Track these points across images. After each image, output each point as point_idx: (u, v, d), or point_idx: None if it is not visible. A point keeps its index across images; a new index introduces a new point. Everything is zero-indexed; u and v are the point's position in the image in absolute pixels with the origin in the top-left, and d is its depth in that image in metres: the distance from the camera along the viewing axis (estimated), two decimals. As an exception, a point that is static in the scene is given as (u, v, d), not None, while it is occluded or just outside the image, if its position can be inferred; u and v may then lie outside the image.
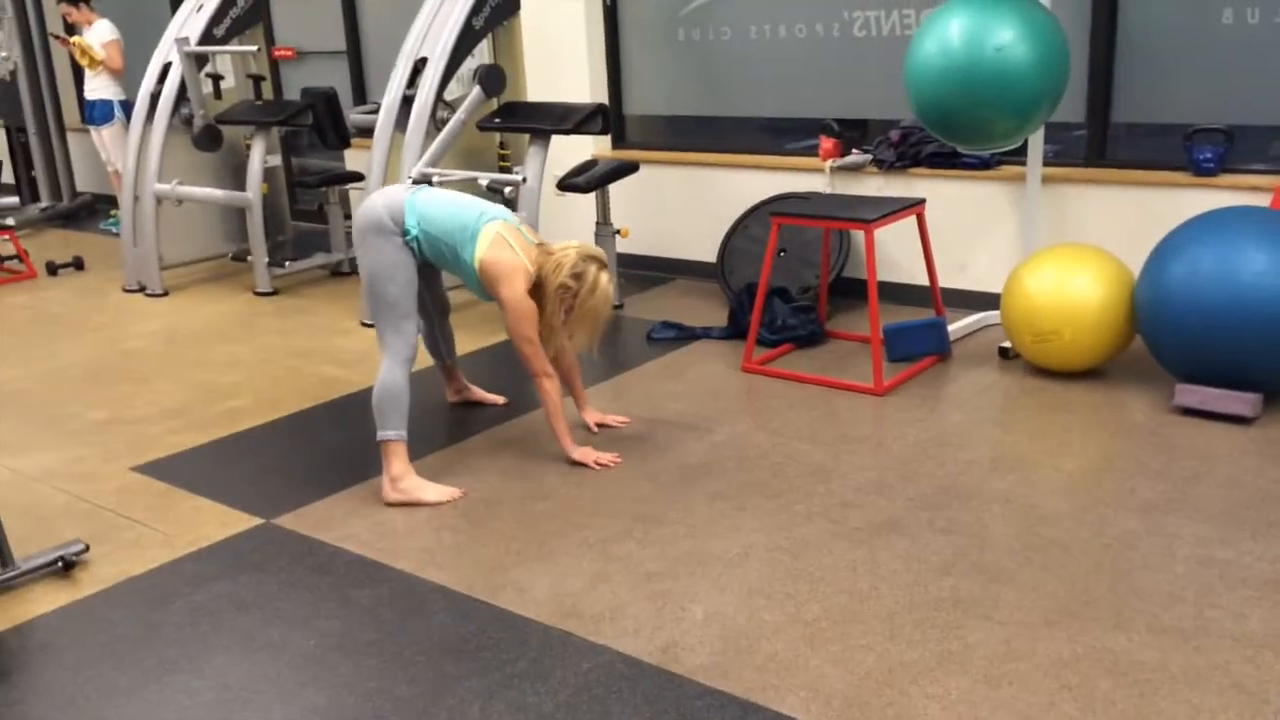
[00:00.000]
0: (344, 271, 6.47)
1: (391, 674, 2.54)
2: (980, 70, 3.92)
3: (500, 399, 4.25)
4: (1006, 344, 4.37)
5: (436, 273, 3.90)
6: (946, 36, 3.99)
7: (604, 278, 3.47)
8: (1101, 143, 4.73)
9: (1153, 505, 3.15)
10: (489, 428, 4.00)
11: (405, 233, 3.46)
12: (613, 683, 2.46)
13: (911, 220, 4.51)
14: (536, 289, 3.47)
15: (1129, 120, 4.73)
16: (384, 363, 3.45)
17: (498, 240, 3.44)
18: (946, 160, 5.00)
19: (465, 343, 4.70)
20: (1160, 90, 4.58)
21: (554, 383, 3.55)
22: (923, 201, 4.47)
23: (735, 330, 4.84)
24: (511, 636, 2.67)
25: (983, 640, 2.54)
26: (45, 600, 2.96)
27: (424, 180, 5.09)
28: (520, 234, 3.53)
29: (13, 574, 3.02)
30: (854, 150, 5.32)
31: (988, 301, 4.85)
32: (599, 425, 3.88)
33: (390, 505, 3.37)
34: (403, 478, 3.39)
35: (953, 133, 4.20)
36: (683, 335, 4.93)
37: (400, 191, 3.56)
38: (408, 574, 2.99)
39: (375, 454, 3.45)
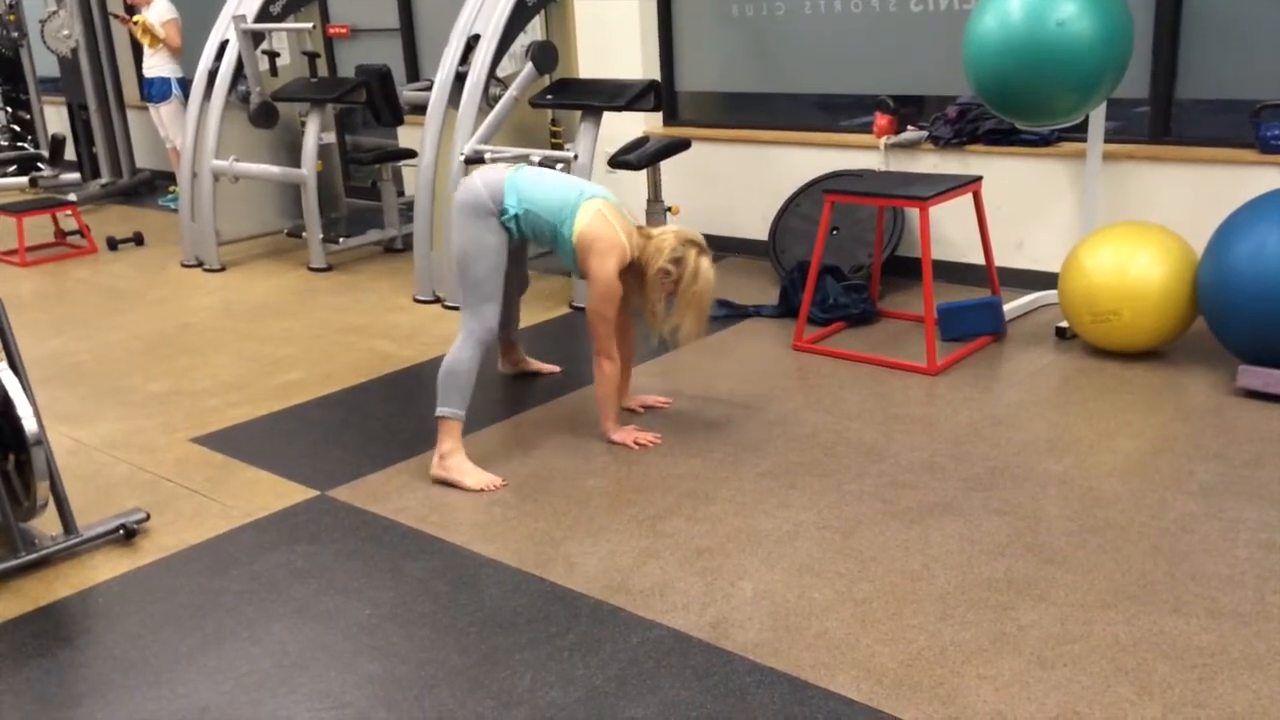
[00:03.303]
0: (397, 248, 6.53)
1: (444, 644, 2.57)
2: (1041, 45, 3.85)
3: (555, 368, 4.30)
4: (1064, 324, 4.31)
5: (524, 252, 3.92)
6: (1007, 10, 3.92)
7: (705, 263, 3.45)
8: (1165, 119, 4.63)
9: (1213, 488, 3.09)
10: (540, 404, 4.02)
11: (504, 212, 3.47)
12: (662, 658, 2.47)
13: (966, 198, 4.45)
14: (635, 273, 3.48)
15: (1194, 96, 4.62)
16: (458, 339, 3.47)
17: (598, 216, 3.44)
18: (1004, 137, 4.91)
19: (522, 317, 4.71)
20: (1227, 65, 4.46)
21: (615, 365, 3.55)
22: (979, 179, 4.41)
23: (786, 308, 4.81)
24: (562, 610, 2.69)
25: (1037, 622, 2.52)
26: (107, 567, 3.03)
27: (476, 157, 5.11)
28: (621, 214, 3.53)
29: (76, 541, 3.09)
30: (909, 127, 5.25)
31: (1045, 281, 4.78)
32: (643, 406, 3.88)
33: (435, 481, 3.40)
34: (450, 455, 3.41)
35: (1012, 109, 4.13)
36: (734, 313, 4.92)
37: (501, 171, 3.56)
38: (459, 547, 3.02)
39: (428, 429, 3.48)
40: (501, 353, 4.28)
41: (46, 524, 3.12)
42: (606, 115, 5.09)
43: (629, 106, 5.03)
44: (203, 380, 4.47)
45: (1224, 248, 3.74)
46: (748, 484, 3.29)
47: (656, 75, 6.00)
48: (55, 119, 9.14)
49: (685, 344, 3.54)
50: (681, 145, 5.32)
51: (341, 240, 6.32)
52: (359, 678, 2.47)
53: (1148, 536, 2.86)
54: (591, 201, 3.48)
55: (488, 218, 3.47)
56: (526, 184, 3.51)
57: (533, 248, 3.95)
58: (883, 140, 5.22)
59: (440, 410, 3.44)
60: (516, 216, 3.48)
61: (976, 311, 4.37)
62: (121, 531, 3.15)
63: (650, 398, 3.92)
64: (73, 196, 7.73)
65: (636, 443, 3.58)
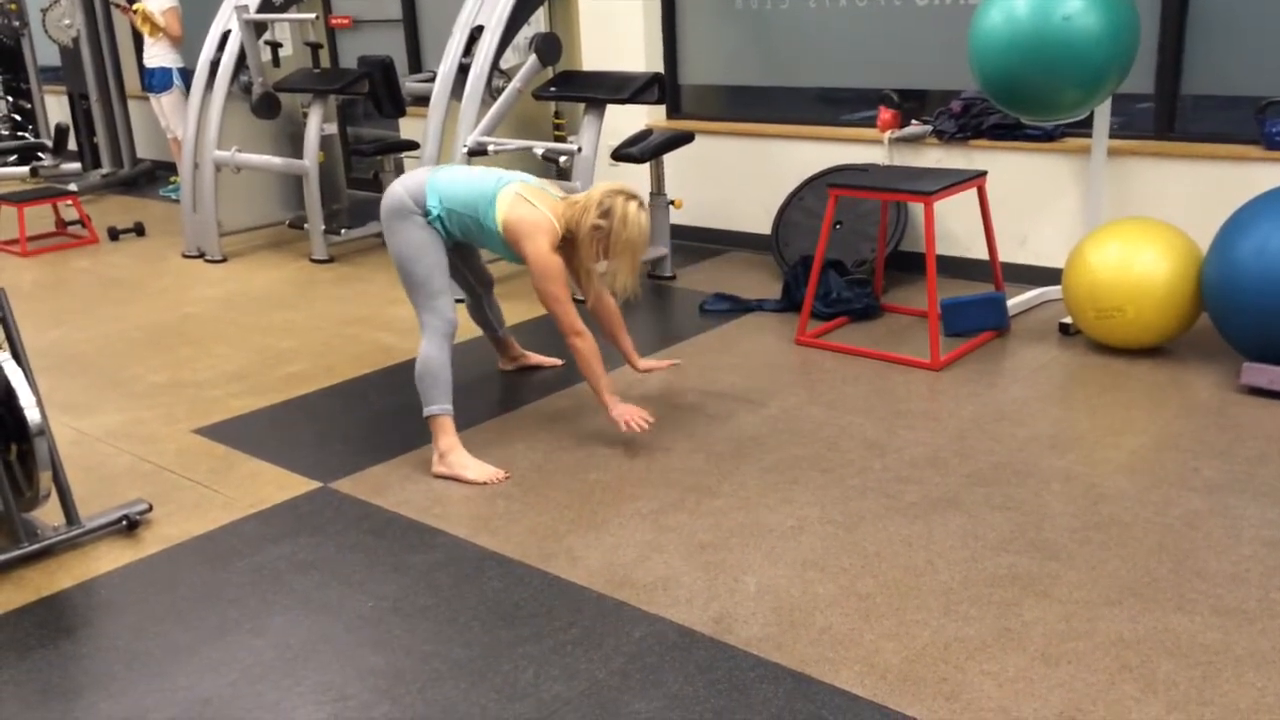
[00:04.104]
0: (398, 240, 6.50)
1: (447, 637, 2.57)
2: (1047, 40, 3.84)
3: (557, 361, 4.27)
4: (1067, 320, 4.30)
5: (474, 249, 3.91)
6: (1012, 5, 3.91)
7: (633, 207, 3.40)
8: (1170, 115, 4.62)
9: (1217, 485, 3.08)
10: (541, 397, 4.01)
11: (427, 213, 3.47)
12: (665, 652, 2.47)
13: (971, 193, 4.44)
14: (570, 242, 3.46)
15: (1199, 92, 4.61)
16: (423, 340, 3.47)
17: (517, 200, 3.42)
18: (1009, 132, 4.90)
19: (515, 313, 4.72)
20: (1232, 61, 4.45)
21: (586, 340, 3.46)
22: (984, 174, 4.39)
23: (789, 303, 4.80)
24: (564, 604, 2.68)
25: (1041, 618, 2.51)
26: (110, 558, 3.02)
27: (479, 149, 5.09)
28: (543, 192, 3.51)
29: (78, 532, 3.09)
30: (913, 121, 5.24)
31: (1048, 276, 4.77)
32: (647, 369, 3.85)
33: (437, 478, 3.40)
34: (450, 451, 3.41)
35: (1017, 104, 4.12)
36: (736, 307, 4.91)
37: (421, 174, 3.57)
38: (462, 540, 3.01)
39: (428, 424, 3.47)
40: (497, 351, 4.27)
41: (49, 514, 3.12)
42: (610, 108, 5.08)
43: (632, 99, 5.01)
44: (204, 371, 4.46)
45: (1229, 244, 3.73)
46: (751, 479, 3.28)
47: (660, 68, 5.99)
48: (56, 108, 9.12)
49: (623, 297, 3.52)
50: (685, 138, 5.30)
51: (343, 232, 6.31)
52: (361, 670, 2.46)
53: (1152, 533, 2.86)
54: (509, 188, 3.45)
55: (412, 217, 3.46)
56: (445, 183, 3.50)
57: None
58: (886, 135, 5.20)
59: (428, 410, 3.44)
60: (440, 217, 3.47)
61: (980, 307, 4.36)
62: (124, 522, 3.14)
63: (656, 362, 3.88)
64: (73, 186, 7.73)
65: (628, 424, 3.46)
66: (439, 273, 3.48)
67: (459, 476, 3.36)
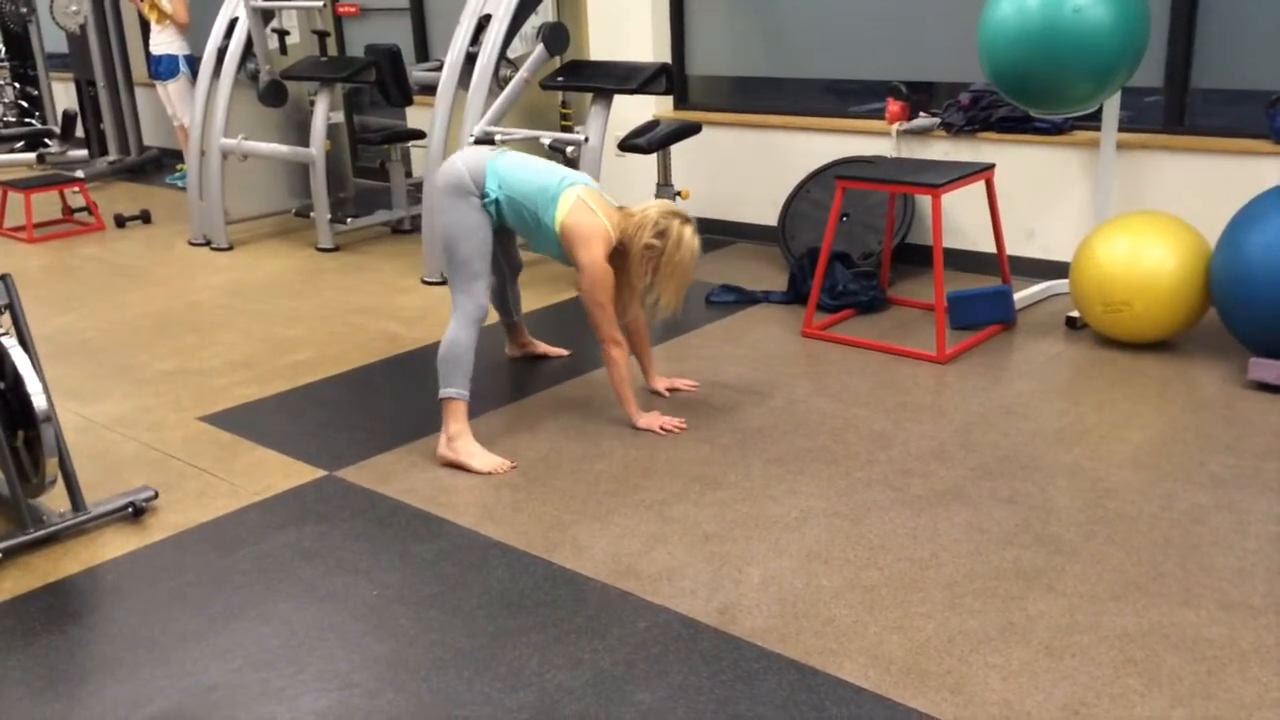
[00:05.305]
0: (405, 229, 6.51)
1: (451, 626, 2.57)
2: (1057, 31, 3.82)
3: (564, 351, 4.28)
4: (1074, 314, 4.29)
5: (512, 234, 3.91)
6: (1022, -4, 3.90)
7: (688, 232, 3.44)
8: (1180, 108, 4.60)
9: (1223, 480, 3.08)
10: (549, 386, 4.01)
11: (485, 195, 3.46)
12: (670, 642, 2.47)
13: (978, 186, 4.42)
14: (620, 254, 3.46)
15: (1209, 85, 4.59)
16: (452, 321, 3.46)
17: (579, 204, 3.43)
18: (1018, 125, 4.89)
19: (530, 300, 4.71)
20: (1243, 55, 4.43)
21: (622, 350, 3.53)
22: (992, 166, 4.38)
23: (795, 295, 4.80)
24: (569, 593, 2.68)
25: (1045, 611, 2.51)
26: (115, 545, 3.03)
27: (486, 139, 5.09)
28: (602, 199, 3.52)
29: (84, 518, 3.09)
30: (922, 113, 5.22)
31: (1055, 270, 4.76)
32: (669, 390, 3.86)
33: (442, 463, 3.40)
34: (458, 437, 3.41)
35: (1027, 96, 4.10)
36: (742, 299, 4.90)
37: (483, 153, 3.55)
38: (467, 529, 3.02)
39: (435, 410, 3.48)
40: (508, 336, 4.28)
41: (55, 501, 3.13)
42: (617, 98, 5.07)
43: (640, 90, 5.00)
44: (210, 359, 4.46)
45: (1237, 239, 3.72)
46: (756, 470, 3.28)
47: (668, 58, 5.97)
48: (63, 95, 9.12)
49: (664, 315, 3.55)
50: (692, 129, 5.29)
51: (349, 221, 6.31)
52: (366, 658, 2.47)
53: (1158, 528, 2.85)
54: (572, 189, 3.45)
55: (469, 197, 3.46)
56: (507, 169, 3.49)
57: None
58: (894, 127, 5.19)
59: (444, 391, 3.44)
60: (497, 201, 3.47)
61: (987, 300, 4.35)
62: (130, 509, 3.15)
63: (679, 381, 3.90)
64: (80, 173, 7.73)
65: (663, 428, 3.56)
66: (481, 257, 3.47)
67: (465, 465, 3.36)
